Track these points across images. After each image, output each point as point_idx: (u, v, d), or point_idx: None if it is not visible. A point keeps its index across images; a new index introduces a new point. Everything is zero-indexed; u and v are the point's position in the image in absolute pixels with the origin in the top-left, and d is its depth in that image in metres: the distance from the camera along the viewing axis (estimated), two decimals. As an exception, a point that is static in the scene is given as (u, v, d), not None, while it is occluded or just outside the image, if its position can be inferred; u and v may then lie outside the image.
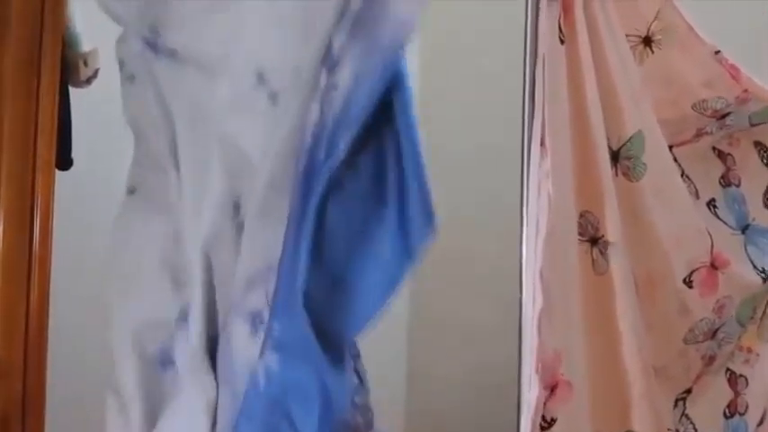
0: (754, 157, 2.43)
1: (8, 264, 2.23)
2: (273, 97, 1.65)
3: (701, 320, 2.27)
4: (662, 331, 2.21)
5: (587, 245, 2.03)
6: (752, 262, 2.39)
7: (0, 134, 2.20)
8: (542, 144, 1.83)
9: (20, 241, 2.23)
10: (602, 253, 2.03)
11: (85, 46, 2.35)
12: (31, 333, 2.21)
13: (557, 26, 1.89)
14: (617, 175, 2.08)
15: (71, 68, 2.34)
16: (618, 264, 2.03)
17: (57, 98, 2.30)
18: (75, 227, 2.36)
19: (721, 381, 2.36)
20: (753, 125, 2.36)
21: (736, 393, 2.37)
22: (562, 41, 1.91)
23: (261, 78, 1.66)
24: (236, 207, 1.72)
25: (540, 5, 1.82)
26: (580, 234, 2.02)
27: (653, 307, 2.17)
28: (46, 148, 2.26)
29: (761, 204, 2.43)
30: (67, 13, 2.34)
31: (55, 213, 2.29)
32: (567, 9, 1.92)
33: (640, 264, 2.12)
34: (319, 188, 1.50)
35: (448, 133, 2.29)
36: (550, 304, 1.82)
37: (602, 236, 2.02)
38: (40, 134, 2.24)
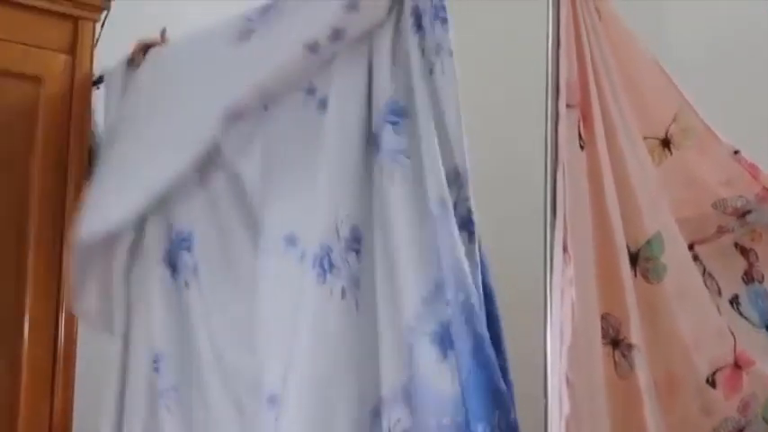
0: (776, 252, 2.43)
1: (33, 368, 2.25)
2: None
3: (726, 420, 2.24)
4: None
5: (609, 347, 2.02)
6: (776, 359, 2.37)
7: (26, 244, 2.25)
8: (565, 250, 1.83)
9: (45, 344, 2.26)
10: (624, 356, 2.02)
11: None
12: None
13: (576, 133, 1.91)
14: (636, 276, 2.08)
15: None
16: (640, 366, 2.01)
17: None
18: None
19: (748, 480, 2.33)
20: (775, 221, 2.36)
21: (761, 491, 2.34)
22: (582, 147, 1.93)
23: None
24: None
25: (560, 113, 1.83)
26: (602, 336, 2.02)
27: (674, 408, 2.15)
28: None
29: (785, 300, 2.42)
30: (92, 128, 2.41)
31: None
32: (585, 115, 1.94)
33: (660, 364, 2.11)
34: None
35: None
36: (577, 409, 1.81)
37: (624, 338, 2.01)
38: (67, 241, 2.28)
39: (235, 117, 2.05)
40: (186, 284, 2.17)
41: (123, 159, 2.21)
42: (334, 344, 1.86)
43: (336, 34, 1.94)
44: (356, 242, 1.89)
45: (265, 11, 2.06)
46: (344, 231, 1.88)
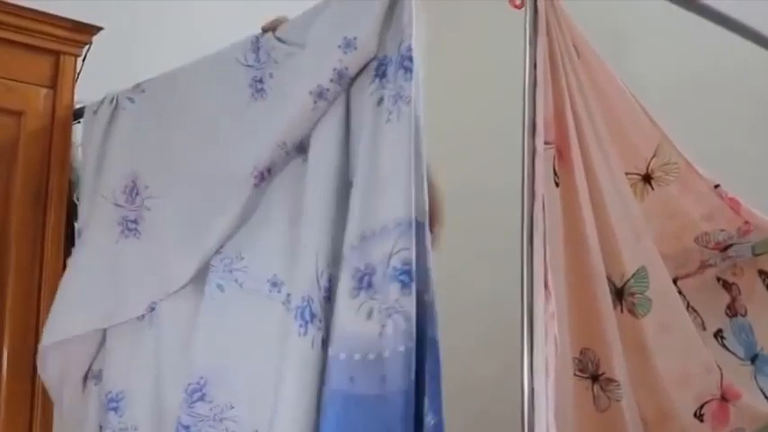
0: (759, 286, 2.43)
1: (11, 402, 2.25)
2: None
3: (714, 454, 2.24)
4: (675, 467, 2.18)
5: (588, 381, 2.02)
6: (762, 392, 2.37)
7: (6, 274, 2.25)
8: (546, 287, 1.83)
9: (24, 378, 2.25)
10: (603, 389, 2.02)
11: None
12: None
13: (551, 169, 1.91)
14: (622, 312, 2.08)
15: (77, 208, 2.39)
16: (621, 400, 2.01)
17: (63, 236, 2.35)
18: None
19: None
20: (756, 255, 2.36)
21: None
22: (557, 184, 1.93)
23: None
24: None
25: (537, 150, 1.83)
26: (581, 371, 2.02)
27: (664, 443, 2.15)
28: (51, 287, 2.30)
29: (768, 333, 2.42)
30: (74, 155, 2.41)
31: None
32: (561, 152, 1.94)
33: (648, 400, 2.11)
34: None
35: (451, 277, 2.31)
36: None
37: (603, 373, 2.01)
38: (45, 273, 2.28)
39: (263, 177, 2.07)
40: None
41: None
42: (313, 391, 1.87)
43: (340, 76, 1.95)
44: (330, 291, 1.90)
45: (265, 62, 2.08)
46: (324, 281, 1.89)
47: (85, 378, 2.31)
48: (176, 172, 2.21)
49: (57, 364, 2.28)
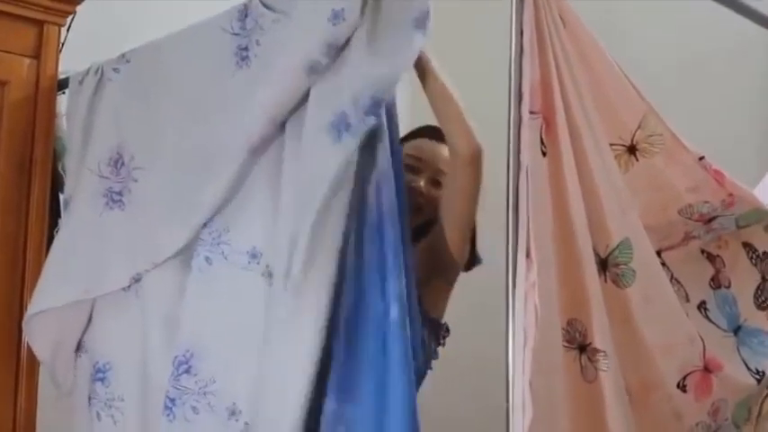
0: (743, 258, 2.44)
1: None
2: None
3: (697, 425, 2.25)
4: (658, 438, 2.19)
5: (575, 352, 2.02)
6: (745, 363, 2.38)
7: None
8: (528, 256, 1.83)
9: (8, 351, 2.24)
10: (590, 360, 2.02)
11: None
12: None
13: (538, 138, 1.91)
14: (606, 282, 2.08)
15: (62, 179, 2.38)
16: (607, 371, 2.01)
17: (47, 207, 2.34)
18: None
19: (719, 484, 2.33)
20: (740, 227, 2.37)
21: (734, 495, 2.35)
22: (544, 153, 1.93)
23: None
24: None
25: (522, 119, 1.83)
26: (568, 341, 2.02)
27: (647, 413, 2.15)
28: (36, 258, 2.29)
29: (752, 305, 2.43)
30: (59, 125, 2.40)
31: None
32: (548, 121, 1.94)
33: (632, 371, 2.11)
34: None
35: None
36: (539, 415, 1.80)
37: (590, 343, 2.01)
38: (30, 246, 2.27)
39: (257, 151, 2.07)
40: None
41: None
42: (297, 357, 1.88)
43: (329, 49, 1.96)
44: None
45: (251, 29, 2.07)
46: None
47: (77, 349, 2.31)
48: (163, 143, 2.19)
49: (48, 336, 2.27)
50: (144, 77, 2.26)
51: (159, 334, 2.13)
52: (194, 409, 2.02)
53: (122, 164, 2.24)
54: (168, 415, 2.03)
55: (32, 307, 2.24)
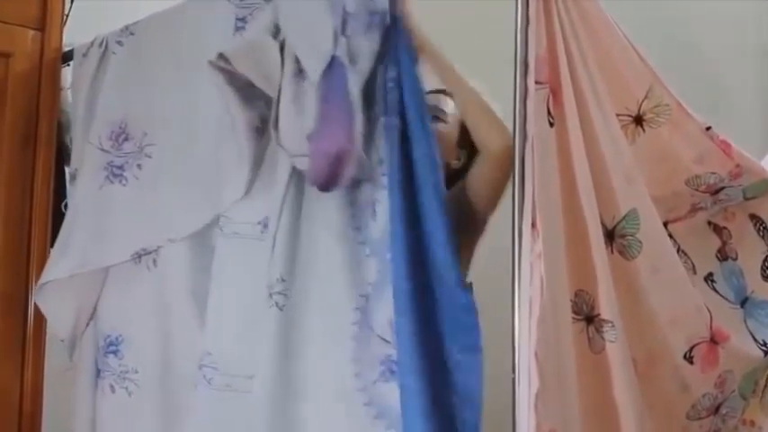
0: (750, 230, 2.43)
1: (3, 344, 2.25)
2: None
3: (704, 396, 2.25)
4: (664, 408, 2.20)
5: (583, 323, 2.03)
6: (752, 335, 2.38)
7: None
8: (534, 226, 1.83)
9: (15, 320, 2.25)
10: (597, 331, 2.02)
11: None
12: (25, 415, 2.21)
13: (545, 109, 1.90)
14: (612, 253, 2.08)
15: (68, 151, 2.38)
16: (615, 341, 2.01)
17: (52, 179, 2.34)
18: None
19: (725, 456, 2.34)
20: (747, 199, 2.36)
21: (740, 467, 2.35)
22: (551, 124, 1.92)
23: None
24: None
25: (529, 89, 1.83)
26: (575, 313, 2.02)
27: (654, 384, 2.16)
28: (41, 230, 2.29)
29: (759, 277, 2.42)
30: (64, 98, 2.39)
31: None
32: (555, 92, 1.93)
33: (639, 342, 2.11)
34: None
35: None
36: (545, 385, 1.81)
37: (598, 314, 2.01)
38: (35, 216, 2.27)
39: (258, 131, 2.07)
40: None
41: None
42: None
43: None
44: None
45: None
46: None
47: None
48: (171, 116, 2.19)
49: (67, 310, 2.27)
50: (148, 50, 2.26)
51: (180, 309, 2.12)
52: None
53: (125, 138, 2.23)
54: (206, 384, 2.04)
55: (41, 279, 2.24)
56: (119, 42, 2.28)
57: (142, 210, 2.20)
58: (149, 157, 2.21)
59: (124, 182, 2.23)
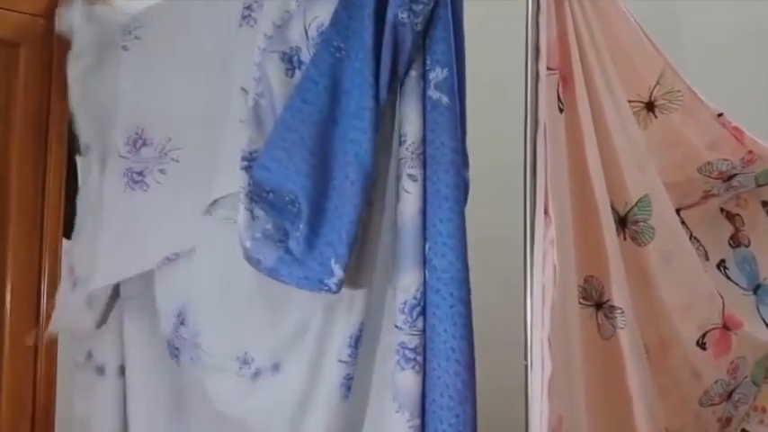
0: (762, 216, 2.42)
1: (16, 338, 2.26)
2: None
3: (716, 382, 2.26)
4: (677, 395, 2.20)
5: (592, 309, 2.03)
6: (764, 321, 2.38)
7: (7, 208, 2.24)
8: (546, 213, 1.83)
9: (28, 316, 2.26)
10: (607, 317, 2.02)
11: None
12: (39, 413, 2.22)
13: (555, 95, 1.90)
14: (625, 239, 2.08)
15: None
16: (625, 328, 2.01)
17: (64, 168, 2.34)
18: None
19: (737, 441, 2.34)
20: (759, 185, 2.35)
21: (752, 454, 2.35)
22: (561, 110, 1.92)
23: None
24: None
25: (540, 75, 1.82)
26: (585, 299, 2.02)
27: (666, 371, 2.16)
28: (54, 221, 2.29)
29: (772, 263, 2.42)
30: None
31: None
32: (565, 78, 1.93)
33: (651, 328, 2.11)
34: None
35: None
36: (557, 371, 1.81)
37: (608, 300, 2.01)
38: (48, 206, 2.28)
39: None
40: None
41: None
42: None
43: None
44: None
45: None
46: None
47: None
48: (188, 117, 2.15)
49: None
50: (158, 52, 2.22)
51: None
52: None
53: (143, 144, 2.20)
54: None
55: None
56: (124, 48, 2.24)
57: (169, 214, 2.14)
58: (176, 161, 2.17)
59: (145, 188, 2.19)
